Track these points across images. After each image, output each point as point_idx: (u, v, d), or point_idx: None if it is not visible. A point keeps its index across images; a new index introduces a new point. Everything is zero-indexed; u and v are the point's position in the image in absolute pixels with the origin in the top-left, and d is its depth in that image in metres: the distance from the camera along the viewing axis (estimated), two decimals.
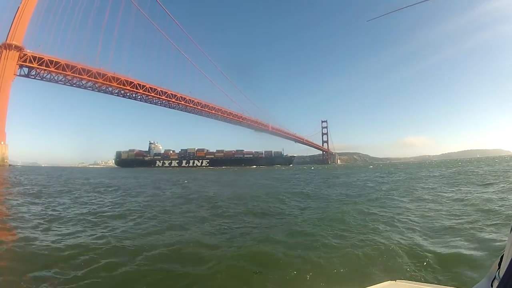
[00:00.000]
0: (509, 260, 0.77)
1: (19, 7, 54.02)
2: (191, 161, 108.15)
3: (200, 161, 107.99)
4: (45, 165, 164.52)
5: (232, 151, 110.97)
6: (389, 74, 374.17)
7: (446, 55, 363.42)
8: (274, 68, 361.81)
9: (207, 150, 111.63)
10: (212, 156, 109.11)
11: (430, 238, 5.36)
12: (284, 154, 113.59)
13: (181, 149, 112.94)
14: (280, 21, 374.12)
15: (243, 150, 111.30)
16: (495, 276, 0.88)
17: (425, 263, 4.11)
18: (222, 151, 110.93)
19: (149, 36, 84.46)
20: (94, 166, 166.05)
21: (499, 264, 0.89)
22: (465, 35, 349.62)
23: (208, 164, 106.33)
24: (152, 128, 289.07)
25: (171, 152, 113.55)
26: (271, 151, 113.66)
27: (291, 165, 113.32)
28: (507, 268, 0.77)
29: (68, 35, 62.64)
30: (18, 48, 53.17)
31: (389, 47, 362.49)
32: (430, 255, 4.35)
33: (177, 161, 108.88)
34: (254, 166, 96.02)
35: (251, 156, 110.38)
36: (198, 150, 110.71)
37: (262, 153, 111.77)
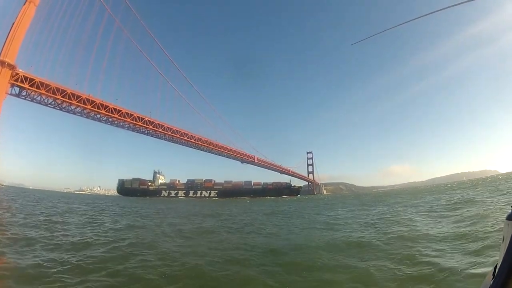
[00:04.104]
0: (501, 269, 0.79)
1: (13, 23, 51.26)
2: (199, 192, 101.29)
3: (208, 192, 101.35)
4: (32, 187, 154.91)
5: (240, 182, 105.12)
6: (369, 106, 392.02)
7: (429, 83, 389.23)
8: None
9: (215, 181, 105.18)
10: (220, 187, 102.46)
11: None
12: (292, 185, 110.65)
13: (188, 180, 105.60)
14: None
15: (251, 182, 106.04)
16: (490, 285, 0.89)
17: None
18: (230, 182, 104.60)
19: (139, 66, 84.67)
20: (80, 192, 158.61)
21: (494, 274, 0.90)
22: (446, 62, 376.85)
23: (216, 195, 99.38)
24: (145, 158, 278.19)
25: (177, 181, 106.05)
26: (279, 182, 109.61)
27: (298, 195, 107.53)
28: (497, 275, 0.79)
29: (58, 59, 59.90)
30: (11, 67, 50.53)
31: (371, 79, 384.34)
32: None
33: (183, 191, 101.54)
34: (249, 197, 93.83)
35: (260, 187, 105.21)
36: (206, 180, 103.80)
37: (271, 184, 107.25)
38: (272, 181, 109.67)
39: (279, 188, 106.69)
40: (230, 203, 52.53)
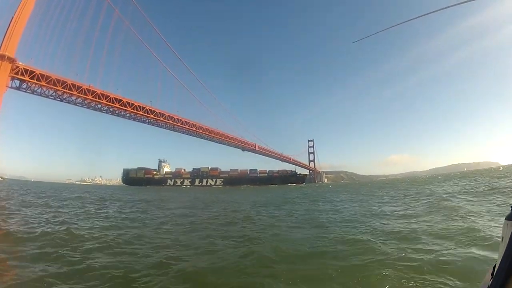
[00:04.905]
0: (500, 270, 0.78)
1: (12, 17, 51.31)
2: (204, 180, 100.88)
3: (214, 180, 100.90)
4: (34, 179, 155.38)
5: (246, 170, 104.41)
6: (368, 97, 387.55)
7: (428, 74, 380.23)
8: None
9: (220, 169, 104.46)
10: (226, 175, 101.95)
11: None
12: (298, 173, 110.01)
13: (193, 168, 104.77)
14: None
15: (257, 170, 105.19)
16: (489, 285, 0.88)
17: None
18: (236, 170, 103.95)
19: (139, 57, 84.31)
20: (81, 183, 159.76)
21: (492, 274, 0.89)
22: (444, 54, 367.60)
23: (222, 184, 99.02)
24: (148, 148, 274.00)
25: (183, 170, 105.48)
26: (285, 170, 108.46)
27: (304, 183, 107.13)
28: (496, 275, 0.78)
29: (58, 51, 59.85)
30: (11, 60, 50.76)
31: (371, 68, 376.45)
32: None
33: (189, 180, 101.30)
34: (254, 185, 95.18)
35: (265, 175, 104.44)
36: (211, 169, 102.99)
37: (276, 172, 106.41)
38: (277, 169, 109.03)
39: (285, 176, 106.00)
40: (234, 191, 52.38)
